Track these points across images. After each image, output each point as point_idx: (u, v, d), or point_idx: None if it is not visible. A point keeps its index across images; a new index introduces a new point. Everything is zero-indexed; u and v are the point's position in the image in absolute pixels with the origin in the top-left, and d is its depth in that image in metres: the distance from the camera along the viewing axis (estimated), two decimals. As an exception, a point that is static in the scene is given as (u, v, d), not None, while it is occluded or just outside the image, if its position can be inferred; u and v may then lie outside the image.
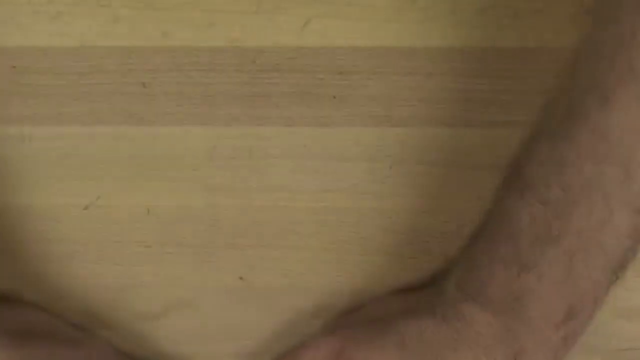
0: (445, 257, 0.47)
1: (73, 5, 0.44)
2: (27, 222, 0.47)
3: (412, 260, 0.47)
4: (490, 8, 0.44)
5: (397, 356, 0.40)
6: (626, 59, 0.34)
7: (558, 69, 0.45)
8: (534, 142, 0.38)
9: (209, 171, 0.46)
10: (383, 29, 0.45)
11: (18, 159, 0.46)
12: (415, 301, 0.43)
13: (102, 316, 0.48)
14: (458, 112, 0.45)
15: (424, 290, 0.45)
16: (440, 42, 0.45)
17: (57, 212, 0.46)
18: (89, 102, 0.45)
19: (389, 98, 0.45)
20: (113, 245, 0.47)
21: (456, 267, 0.42)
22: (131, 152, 0.46)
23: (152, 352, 0.48)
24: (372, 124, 0.45)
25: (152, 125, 0.45)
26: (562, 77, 0.38)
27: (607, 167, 0.35)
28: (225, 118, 0.45)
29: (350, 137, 0.46)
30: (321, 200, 0.46)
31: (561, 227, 0.36)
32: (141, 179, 0.46)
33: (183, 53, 0.44)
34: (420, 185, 0.46)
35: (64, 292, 0.47)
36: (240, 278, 0.47)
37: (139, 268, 0.47)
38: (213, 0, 0.44)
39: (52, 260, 0.47)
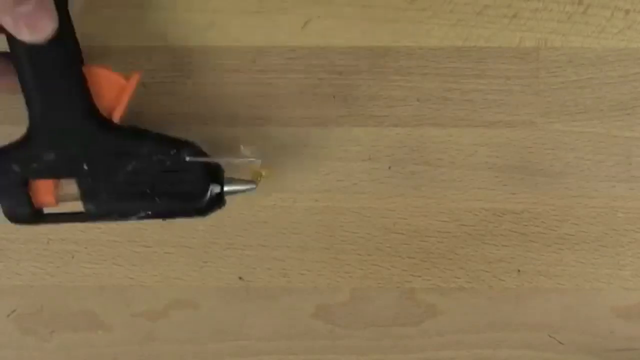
0: (445, 257, 0.47)
1: (73, 5, 0.44)
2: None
3: (412, 260, 0.47)
4: (490, 8, 0.45)
5: None
6: None
7: (558, 68, 0.45)
8: None
9: (209, 171, 0.46)
10: (383, 29, 0.45)
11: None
12: None
13: (102, 316, 0.48)
14: (458, 112, 0.45)
15: None
16: (439, 42, 0.45)
17: (57, 212, 0.46)
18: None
19: (388, 98, 0.45)
20: (113, 245, 0.47)
21: None
22: (131, 152, 0.45)
23: (152, 352, 0.48)
24: (372, 124, 0.46)
25: (152, 125, 0.45)
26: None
27: None
28: (225, 118, 0.45)
29: (350, 137, 0.46)
30: (321, 200, 0.46)
31: None
32: (141, 179, 0.46)
33: (184, 53, 0.44)
34: (420, 185, 0.46)
35: (64, 292, 0.47)
36: (240, 278, 0.47)
37: (139, 268, 0.47)
38: (213, 0, 0.44)
39: (54, 260, 0.47)
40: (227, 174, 0.43)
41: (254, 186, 0.43)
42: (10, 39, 0.39)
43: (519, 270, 0.47)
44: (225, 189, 0.43)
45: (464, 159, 0.46)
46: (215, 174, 0.42)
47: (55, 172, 0.41)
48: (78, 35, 0.40)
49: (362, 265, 0.47)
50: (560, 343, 0.48)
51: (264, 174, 0.44)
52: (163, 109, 0.45)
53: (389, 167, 0.46)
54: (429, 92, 0.45)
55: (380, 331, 0.48)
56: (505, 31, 0.45)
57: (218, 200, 0.42)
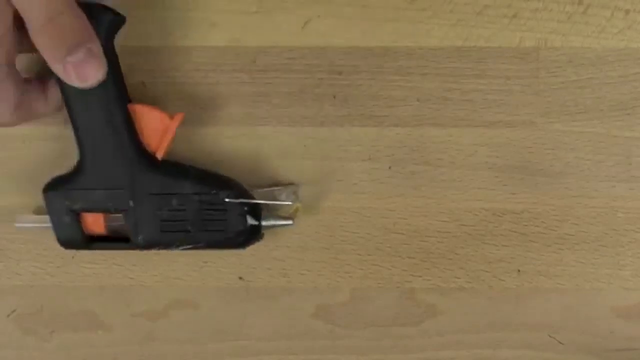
0: (445, 257, 0.47)
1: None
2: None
3: (412, 260, 0.47)
4: (490, 8, 0.45)
5: None
6: None
7: (558, 68, 0.45)
8: None
9: (209, 171, 0.46)
10: (382, 29, 0.45)
11: (18, 158, 0.46)
12: None
13: (102, 316, 0.48)
14: (458, 112, 0.45)
15: None
16: (439, 42, 0.45)
17: (57, 212, 0.46)
18: (89, 102, 0.45)
19: (388, 98, 0.45)
20: (113, 245, 0.47)
21: None
22: (131, 152, 0.45)
23: (152, 352, 0.48)
24: (372, 124, 0.46)
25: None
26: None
27: None
28: (225, 118, 0.45)
29: (350, 137, 0.46)
30: (321, 200, 0.46)
31: None
32: (141, 179, 0.46)
33: (184, 53, 0.44)
34: (420, 185, 0.46)
35: (64, 292, 0.47)
36: (240, 278, 0.47)
37: (139, 268, 0.47)
38: (213, 0, 0.44)
39: (54, 260, 0.47)
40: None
41: (291, 222, 0.45)
42: (61, 83, 0.40)
43: (519, 270, 0.47)
44: (263, 224, 0.44)
45: (464, 159, 0.46)
46: (254, 210, 0.44)
47: (103, 207, 0.43)
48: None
49: (362, 265, 0.47)
50: (560, 343, 0.48)
51: (300, 209, 0.45)
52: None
53: (389, 167, 0.46)
54: (429, 92, 0.45)
55: (380, 331, 0.48)
56: (505, 31, 0.45)
57: (256, 235, 0.44)
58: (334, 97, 0.45)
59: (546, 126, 0.45)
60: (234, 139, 0.45)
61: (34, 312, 0.48)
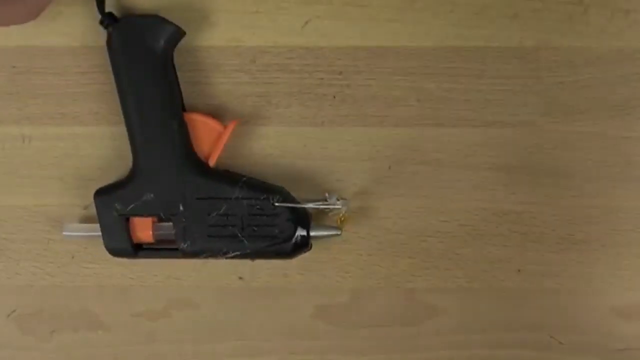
0: (445, 257, 0.47)
1: (73, 5, 0.44)
2: (27, 222, 0.47)
3: (412, 260, 0.47)
4: (490, 8, 0.44)
5: None
6: None
7: (558, 68, 0.45)
8: None
9: (209, 171, 0.46)
10: (383, 29, 0.45)
11: (18, 159, 0.46)
12: None
13: (102, 316, 0.48)
14: (458, 112, 0.45)
15: None
16: (440, 42, 0.45)
17: (57, 212, 0.46)
18: (89, 102, 0.45)
19: (388, 98, 0.45)
20: (113, 245, 0.47)
21: None
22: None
23: (152, 352, 0.48)
24: (372, 124, 0.45)
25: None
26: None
27: None
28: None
29: (350, 137, 0.46)
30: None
31: None
32: (141, 179, 0.46)
33: (184, 53, 0.44)
34: (420, 185, 0.46)
35: (64, 292, 0.47)
36: (240, 278, 0.47)
37: (139, 268, 0.47)
38: (213, 0, 0.44)
39: (54, 260, 0.47)
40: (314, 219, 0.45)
41: (339, 232, 0.45)
42: (120, 89, 0.42)
43: (519, 270, 0.47)
44: (312, 233, 0.44)
45: (464, 159, 0.46)
46: (303, 219, 0.44)
47: (153, 211, 0.44)
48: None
49: (362, 265, 0.47)
50: (560, 343, 0.48)
51: (347, 219, 0.45)
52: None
53: (389, 167, 0.46)
54: (429, 92, 0.45)
55: (380, 331, 0.48)
56: (505, 31, 0.44)
57: (304, 244, 0.44)
58: (334, 97, 0.45)
59: (546, 126, 0.45)
60: (233, 138, 0.45)
61: (34, 312, 0.48)
